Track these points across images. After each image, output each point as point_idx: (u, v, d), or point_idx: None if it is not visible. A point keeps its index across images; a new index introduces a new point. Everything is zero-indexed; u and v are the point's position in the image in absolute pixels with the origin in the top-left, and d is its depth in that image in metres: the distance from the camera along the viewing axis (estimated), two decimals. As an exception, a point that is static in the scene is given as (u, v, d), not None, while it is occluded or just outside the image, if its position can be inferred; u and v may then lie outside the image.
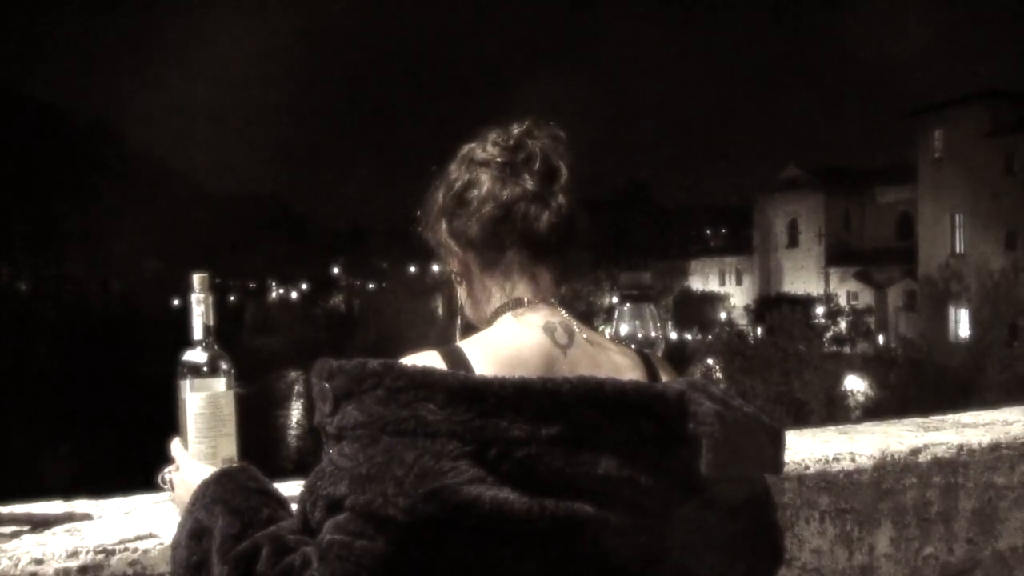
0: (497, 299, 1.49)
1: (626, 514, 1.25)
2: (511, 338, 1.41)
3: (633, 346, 1.82)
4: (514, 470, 1.20)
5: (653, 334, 1.89)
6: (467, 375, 1.27)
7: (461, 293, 1.56)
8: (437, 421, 1.20)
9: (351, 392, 1.26)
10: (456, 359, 1.35)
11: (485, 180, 1.46)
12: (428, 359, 1.34)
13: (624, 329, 1.89)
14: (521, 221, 1.44)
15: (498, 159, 1.46)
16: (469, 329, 1.53)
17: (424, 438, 1.20)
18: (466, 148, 1.52)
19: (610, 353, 1.46)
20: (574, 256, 1.50)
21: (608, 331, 1.87)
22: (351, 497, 1.20)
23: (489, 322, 1.48)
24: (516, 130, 1.49)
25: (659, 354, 1.83)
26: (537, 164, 1.45)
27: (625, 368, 1.45)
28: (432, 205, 1.53)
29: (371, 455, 1.20)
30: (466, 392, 1.22)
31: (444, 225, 1.52)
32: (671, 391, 1.31)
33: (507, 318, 1.45)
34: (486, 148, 1.49)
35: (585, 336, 1.44)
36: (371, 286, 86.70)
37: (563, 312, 1.45)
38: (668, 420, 1.29)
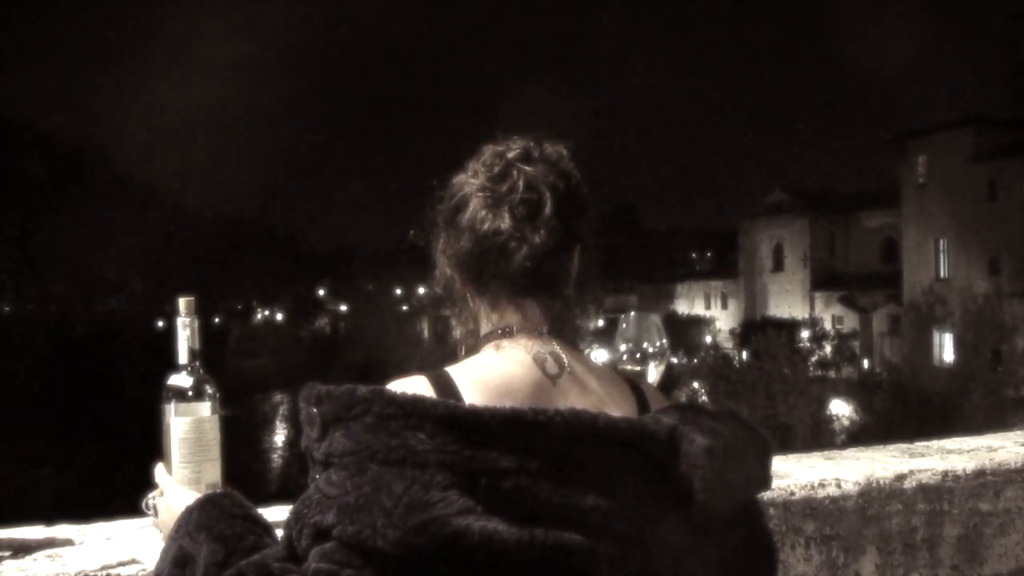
0: (486, 324, 1.48)
1: (615, 543, 1.24)
2: (500, 367, 1.39)
3: (638, 355, 1.82)
4: (503, 500, 1.19)
5: (658, 343, 1.87)
6: (457, 404, 1.26)
7: (452, 313, 1.55)
8: (426, 451, 1.19)
9: (339, 418, 1.24)
10: (445, 386, 1.34)
11: (471, 205, 1.44)
12: (416, 385, 1.33)
13: (628, 338, 1.87)
14: (497, 256, 1.41)
15: (485, 185, 1.44)
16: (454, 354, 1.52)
17: (413, 468, 1.18)
18: (470, 161, 1.49)
19: (600, 384, 1.44)
20: (567, 291, 1.47)
21: (594, 352, 1.85)
22: (339, 527, 1.19)
23: (477, 347, 1.47)
24: (511, 152, 1.45)
25: (663, 363, 1.83)
26: (519, 197, 1.41)
27: (615, 399, 1.44)
28: (433, 216, 1.51)
29: (359, 484, 1.19)
30: (456, 421, 1.21)
31: (438, 241, 1.50)
32: (663, 427, 1.30)
33: (496, 346, 1.43)
34: (477, 170, 1.46)
35: (576, 367, 1.43)
36: (357, 308, 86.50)
37: (554, 342, 1.44)
38: (659, 457, 1.29)
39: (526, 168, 1.44)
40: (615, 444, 1.27)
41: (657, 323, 1.89)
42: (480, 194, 1.44)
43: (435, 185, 1.51)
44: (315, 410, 1.27)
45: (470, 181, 1.46)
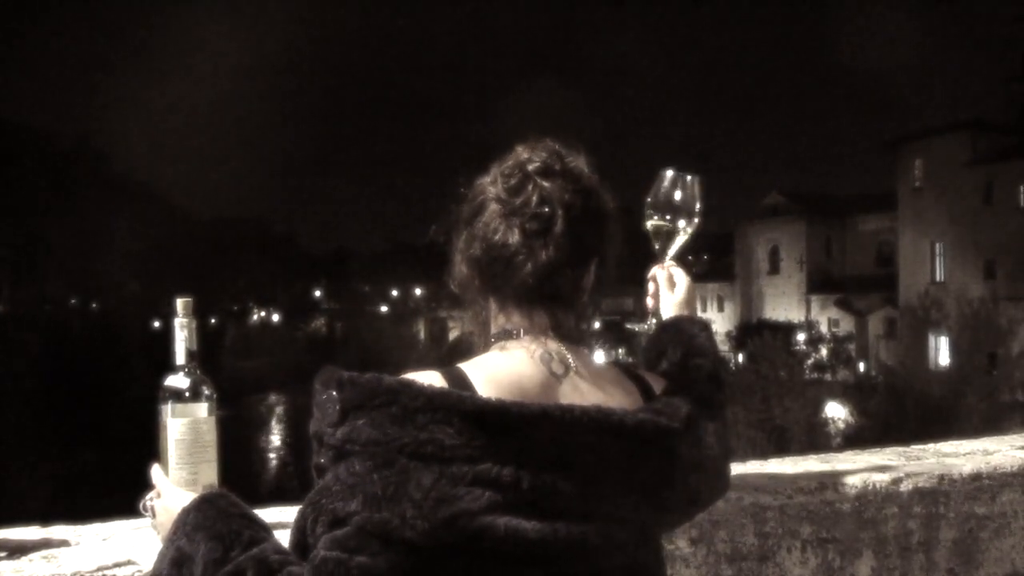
0: (495, 324, 1.50)
1: (630, 533, 1.32)
2: (510, 365, 1.41)
3: (668, 216, 1.83)
4: (528, 495, 1.23)
5: (688, 201, 1.83)
6: (486, 400, 1.28)
7: (470, 312, 1.56)
8: (455, 446, 1.21)
9: (362, 405, 1.25)
10: (459, 381, 1.35)
11: (487, 213, 1.46)
12: (430, 379, 1.33)
13: (661, 195, 1.84)
14: (504, 267, 1.43)
15: (500, 196, 1.45)
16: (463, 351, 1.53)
17: (441, 462, 1.21)
18: (495, 163, 1.50)
19: (604, 383, 1.47)
20: (577, 303, 1.49)
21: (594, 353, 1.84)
22: (363, 514, 1.20)
23: (488, 346, 1.49)
24: (531, 164, 1.46)
25: (692, 225, 1.85)
26: (531, 212, 1.42)
27: (619, 397, 1.46)
28: (456, 214, 1.52)
29: (385, 475, 1.21)
30: (483, 417, 1.23)
31: (458, 240, 1.51)
32: (682, 419, 1.39)
33: (504, 345, 1.45)
34: (497, 178, 1.47)
35: (580, 367, 1.45)
36: (353, 309, 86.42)
37: (560, 344, 1.45)
38: (677, 449, 1.36)
39: (543, 183, 1.44)
40: (638, 441, 1.32)
41: (693, 183, 1.83)
42: (495, 204, 1.45)
43: (462, 182, 1.52)
44: (335, 394, 1.28)
45: (489, 188, 1.47)
